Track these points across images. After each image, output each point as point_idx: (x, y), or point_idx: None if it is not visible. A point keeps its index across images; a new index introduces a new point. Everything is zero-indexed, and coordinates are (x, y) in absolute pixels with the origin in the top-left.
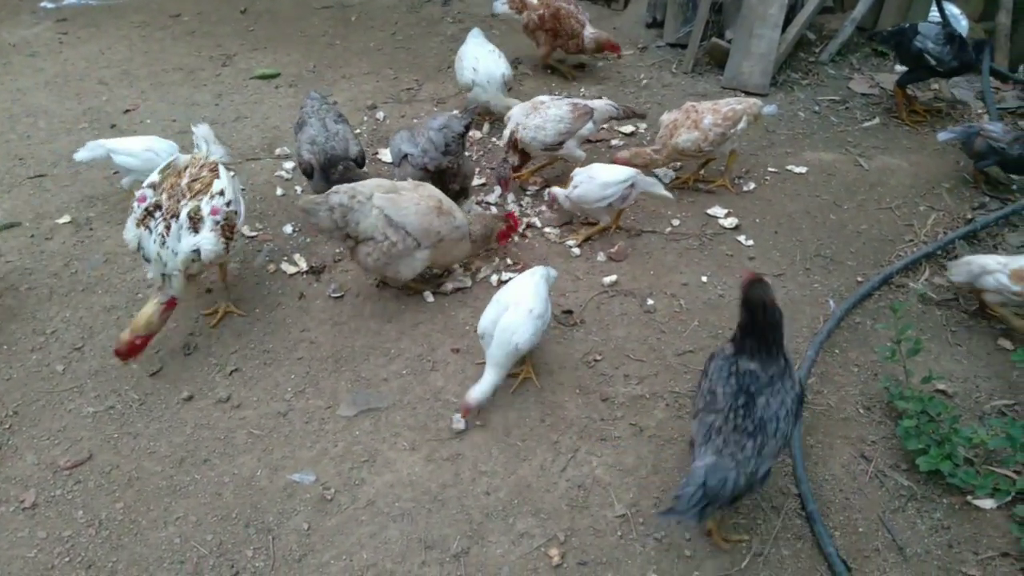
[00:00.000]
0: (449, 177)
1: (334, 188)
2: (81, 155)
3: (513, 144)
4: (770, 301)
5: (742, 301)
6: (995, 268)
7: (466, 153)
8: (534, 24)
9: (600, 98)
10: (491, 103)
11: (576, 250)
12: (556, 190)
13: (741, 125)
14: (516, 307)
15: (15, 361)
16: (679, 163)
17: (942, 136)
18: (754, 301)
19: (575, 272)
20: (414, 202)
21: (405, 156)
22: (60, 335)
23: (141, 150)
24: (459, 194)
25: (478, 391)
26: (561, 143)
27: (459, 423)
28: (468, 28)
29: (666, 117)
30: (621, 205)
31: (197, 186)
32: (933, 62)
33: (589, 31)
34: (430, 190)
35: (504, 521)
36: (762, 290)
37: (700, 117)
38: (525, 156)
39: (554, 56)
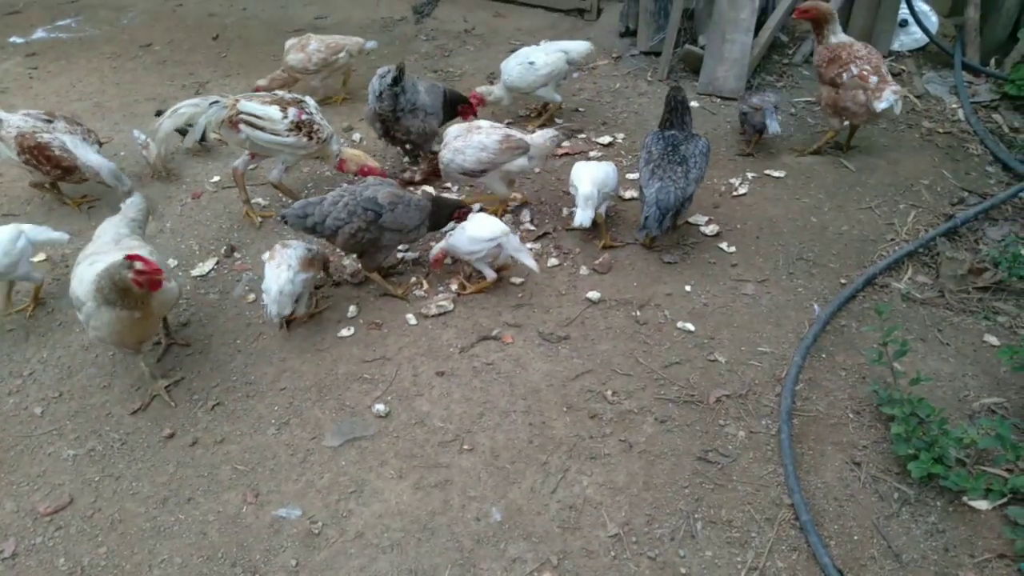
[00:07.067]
0: (393, 129)
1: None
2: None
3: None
4: (681, 96)
5: (665, 99)
6: None
7: (416, 110)
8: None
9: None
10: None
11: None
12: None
13: (342, 55)
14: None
15: None
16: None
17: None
18: (672, 96)
19: (558, 288)
20: None
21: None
22: (38, 376)
23: None
24: (411, 152)
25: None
26: (482, 171)
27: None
28: (442, 45)
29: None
30: (494, 262)
31: None
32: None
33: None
34: None
35: (495, 547)
36: (676, 90)
37: (307, 43)
38: (436, 173)
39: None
